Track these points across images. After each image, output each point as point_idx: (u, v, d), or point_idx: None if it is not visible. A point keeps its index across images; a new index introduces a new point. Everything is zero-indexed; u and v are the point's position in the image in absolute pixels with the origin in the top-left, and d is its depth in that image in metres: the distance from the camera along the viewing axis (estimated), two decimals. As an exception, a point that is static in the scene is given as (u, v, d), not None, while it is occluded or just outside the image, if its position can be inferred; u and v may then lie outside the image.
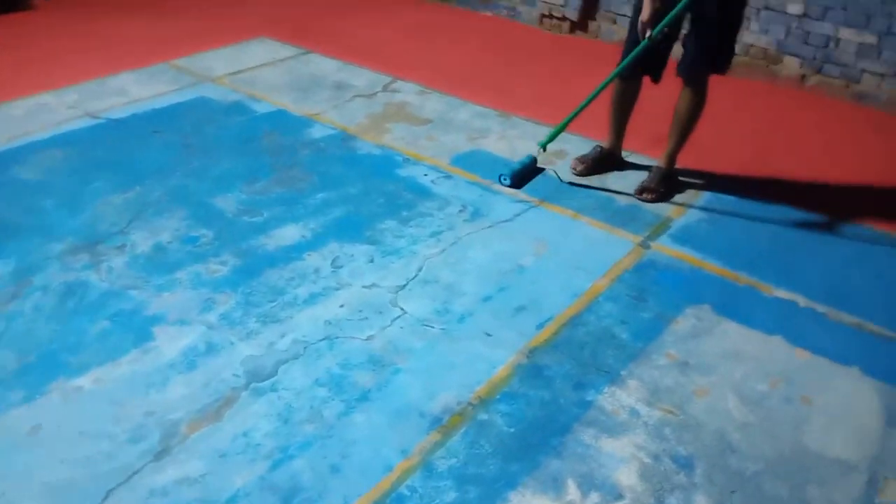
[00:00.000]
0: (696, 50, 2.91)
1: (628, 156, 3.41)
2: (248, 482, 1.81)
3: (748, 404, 2.10)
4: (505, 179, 3.14)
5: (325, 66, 4.33)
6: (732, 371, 2.22)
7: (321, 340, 2.27)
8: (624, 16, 4.84)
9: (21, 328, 2.25)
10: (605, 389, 2.13)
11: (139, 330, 2.27)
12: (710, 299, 2.51)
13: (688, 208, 3.06)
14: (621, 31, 4.87)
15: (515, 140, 3.56)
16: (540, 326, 2.36)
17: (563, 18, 5.08)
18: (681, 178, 3.23)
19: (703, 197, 3.15)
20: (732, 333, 2.37)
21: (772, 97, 4.24)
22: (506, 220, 2.91)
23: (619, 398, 2.10)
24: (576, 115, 3.11)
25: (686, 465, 1.91)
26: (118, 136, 3.40)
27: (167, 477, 1.81)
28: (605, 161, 3.32)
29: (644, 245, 2.80)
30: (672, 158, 3.16)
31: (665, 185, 3.14)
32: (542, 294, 2.51)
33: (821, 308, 2.50)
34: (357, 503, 1.77)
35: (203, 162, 3.23)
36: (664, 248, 2.79)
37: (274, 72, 4.21)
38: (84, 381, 2.07)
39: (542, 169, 3.28)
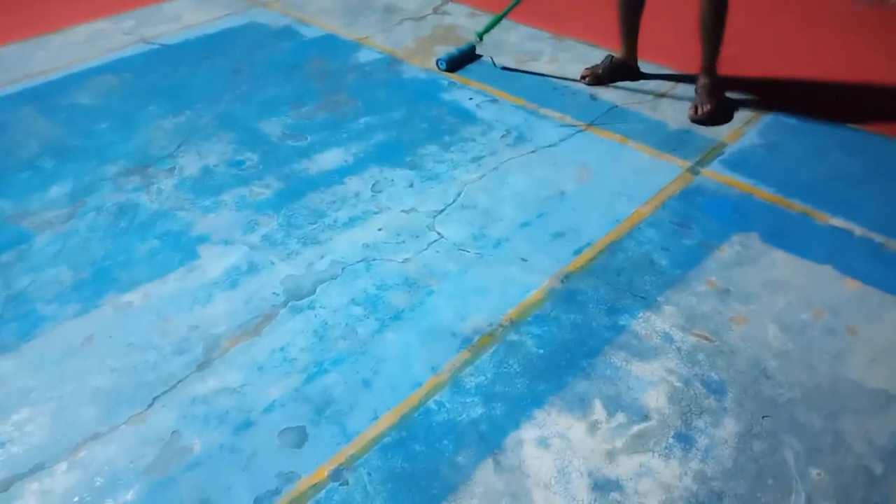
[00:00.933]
0: None
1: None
2: (284, 394, 1.89)
3: (788, 333, 2.04)
4: (441, 64, 3.37)
5: (375, -12, 4.25)
6: (775, 300, 2.15)
7: (358, 262, 2.31)
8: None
9: (77, 246, 2.37)
10: (640, 315, 2.11)
11: (185, 249, 2.36)
12: (758, 227, 2.42)
13: (743, 132, 2.92)
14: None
15: (566, 63, 3.44)
16: (577, 252, 2.33)
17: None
18: (738, 99, 3.07)
19: (762, 121, 2.99)
20: (779, 262, 2.29)
21: (851, 15, 3.93)
22: (550, 146, 2.85)
23: (653, 323, 2.08)
24: (514, 6, 3.27)
25: (717, 389, 1.89)
26: (171, 62, 3.46)
27: (208, 386, 1.91)
28: (616, 71, 3.27)
29: (693, 171, 2.70)
30: (711, 69, 3.02)
31: (714, 98, 3.00)
32: (581, 220, 2.47)
33: (878, 238, 2.37)
34: (386, 415, 1.83)
35: (251, 87, 3.26)
36: (714, 173, 2.68)
37: (324, -5, 4.16)
38: (133, 297, 2.18)
39: (479, 56, 3.48)
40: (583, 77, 3.28)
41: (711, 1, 2.86)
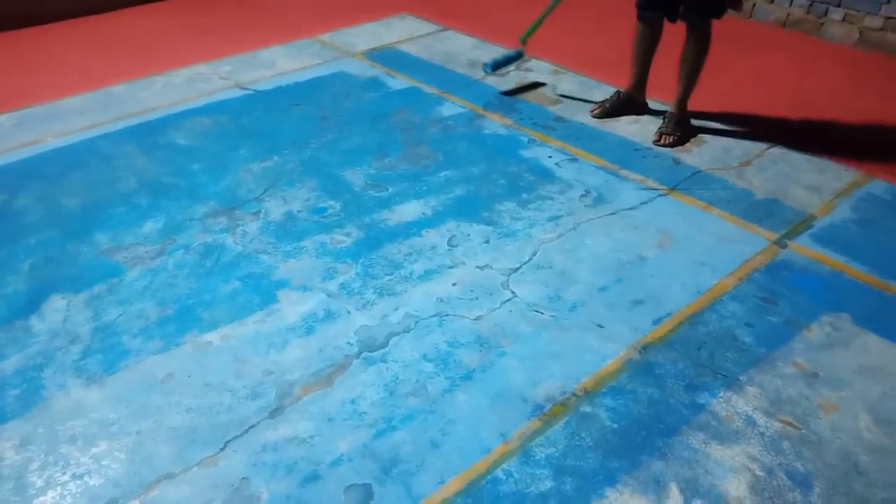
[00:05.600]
0: None
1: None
2: (352, 448, 1.89)
3: (883, 426, 1.92)
4: (487, 69, 3.76)
5: (460, 43, 4.35)
6: (868, 388, 2.03)
7: (432, 316, 2.31)
8: (783, -7, 4.48)
9: (164, 283, 2.46)
10: (721, 394, 2.02)
11: (265, 293, 2.41)
12: (850, 308, 2.31)
13: (834, 205, 2.81)
14: (779, 11, 4.53)
15: (649, 123, 3.41)
16: (656, 322, 2.27)
17: (715, -4, 4.77)
18: (837, 169, 2.98)
19: (854, 194, 2.88)
20: (873, 347, 2.17)
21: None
22: (630, 208, 2.81)
23: (735, 404, 1.99)
24: (552, 9, 3.61)
25: (803, 482, 1.78)
26: (263, 107, 3.60)
27: (279, 434, 1.93)
28: (624, 105, 3.50)
29: (780, 243, 2.61)
30: (682, 104, 3.29)
31: (680, 129, 3.26)
32: (661, 288, 2.41)
33: (984, 328, 2.22)
34: (453, 480, 1.80)
35: (337, 135, 3.35)
36: (803, 248, 2.58)
37: (411, 48, 4.27)
38: (213, 337, 2.24)
39: (522, 56, 3.89)
40: (591, 111, 3.51)
41: (694, 42, 3.16)
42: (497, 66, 3.75)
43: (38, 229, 2.74)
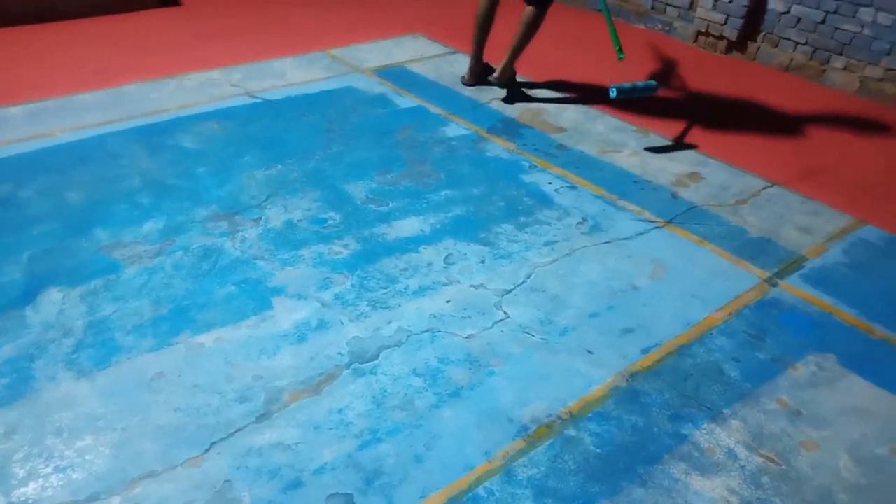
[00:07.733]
0: None
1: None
2: (336, 457, 1.90)
3: (862, 467, 1.94)
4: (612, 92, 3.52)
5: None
6: (850, 429, 2.05)
7: (424, 332, 2.33)
8: (788, 39, 4.56)
9: (160, 282, 2.48)
10: (704, 426, 2.04)
11: (260, 299, 2.43)
12: (836, 349, 2.34)
13: (827, 248, 2.85)
14: (782, 56, 4.61)
15: (649, 157, 3.46)
16: (645, 351, 2.30)
17: (721, 37, 4.86)
18: (829, 213, 3.03)
19: (847, 238, 2.92)
20: (857, 389, 2.20)
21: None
22: (625, 238, 2.85)
23: (718, 437, 2.01)
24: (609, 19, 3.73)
25: (780, 519, 1.80)
26: (271, 116, 3.65)
27: (265, 439, 1.94)
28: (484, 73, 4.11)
29: (771, 282, 2.64)
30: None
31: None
32: (652, 318, 2.44)
33: (967, 377, 2.25)
34: (435, 495, 1.81)
35: (342, 148, 3.39)
36: (793, 287, 2.62)
37: (420, 68, 4.34)
38: (206, 339, 2.26)
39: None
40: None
41: (531, 17, 3.73)
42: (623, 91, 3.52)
43: (40, 221, 2.76)
